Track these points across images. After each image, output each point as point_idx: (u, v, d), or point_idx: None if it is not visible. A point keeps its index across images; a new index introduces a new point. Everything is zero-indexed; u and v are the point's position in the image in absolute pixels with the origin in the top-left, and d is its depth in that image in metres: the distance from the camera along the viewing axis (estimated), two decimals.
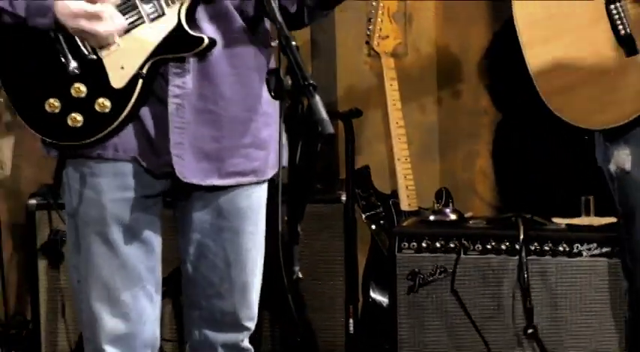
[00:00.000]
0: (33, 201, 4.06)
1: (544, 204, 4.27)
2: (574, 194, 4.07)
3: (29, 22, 2.55)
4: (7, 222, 4.44)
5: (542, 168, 4.57)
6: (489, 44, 4.69)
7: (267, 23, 2.69)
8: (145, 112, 2.61)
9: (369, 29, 4.35)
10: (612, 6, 3.09)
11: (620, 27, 3.05)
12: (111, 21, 2.55)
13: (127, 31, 2.58)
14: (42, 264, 4.05)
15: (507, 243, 3.79)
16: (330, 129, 2.24)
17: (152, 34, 2.58)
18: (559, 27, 3.16)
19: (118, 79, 2.58)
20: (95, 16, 2.53)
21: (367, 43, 4.36)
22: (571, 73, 3.13)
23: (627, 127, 3.04)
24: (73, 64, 2.57)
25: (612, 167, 3.09)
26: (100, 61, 2.57)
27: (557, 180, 4.49)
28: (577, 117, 3.11)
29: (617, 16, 3.08)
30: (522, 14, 3.20)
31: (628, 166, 3.06)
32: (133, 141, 2.62)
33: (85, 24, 2.54)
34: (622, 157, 3.08)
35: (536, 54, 3.18)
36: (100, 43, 2.55)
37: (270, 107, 2.61)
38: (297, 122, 2.47)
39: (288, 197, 2.42)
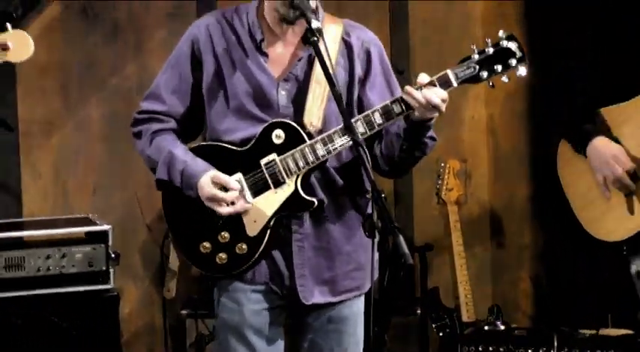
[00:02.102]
0: (184, 312, 4.49)
1: (572, 318, 4.50)
2: (595, 310, 4.39)
3: (184, 191, 2.88)
4: (167, 327, 4.70)
5: (571, 291, 4.74)
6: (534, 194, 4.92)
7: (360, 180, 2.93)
8: (275, 251, 2.88)
9: (438, 183, 4.69)
10: None
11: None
12: (232, 206, 2.79)
13: (258, 194, 2.83)
14: None
15: (544, 348, 4.13)
16: (410, 260, 2.44)
17: (276, 197, 2.82)
18: (591, 185, 3.42)
19: (252, 229, 2.84)
20: (222, 200, 2.81)
21: (437, 194, 4.69)
22: (601, 204, 3.38)
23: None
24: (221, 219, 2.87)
25: (632, 269, 3.36)
26: (239, 216, 2.84)
27: (582, 300, 4.65)
28: (607, 235, 3.39)
29: None
30: (566, 175, 3.51)
31: None
32: (266, 270, 2.90)
33: (214, 205, 2.82)
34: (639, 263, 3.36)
35: (581, 204, 3.47)
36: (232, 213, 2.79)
37: (366, 239, 2.72)
38: (385, 254, 2.88)
39: (378, 312, 2.92)
